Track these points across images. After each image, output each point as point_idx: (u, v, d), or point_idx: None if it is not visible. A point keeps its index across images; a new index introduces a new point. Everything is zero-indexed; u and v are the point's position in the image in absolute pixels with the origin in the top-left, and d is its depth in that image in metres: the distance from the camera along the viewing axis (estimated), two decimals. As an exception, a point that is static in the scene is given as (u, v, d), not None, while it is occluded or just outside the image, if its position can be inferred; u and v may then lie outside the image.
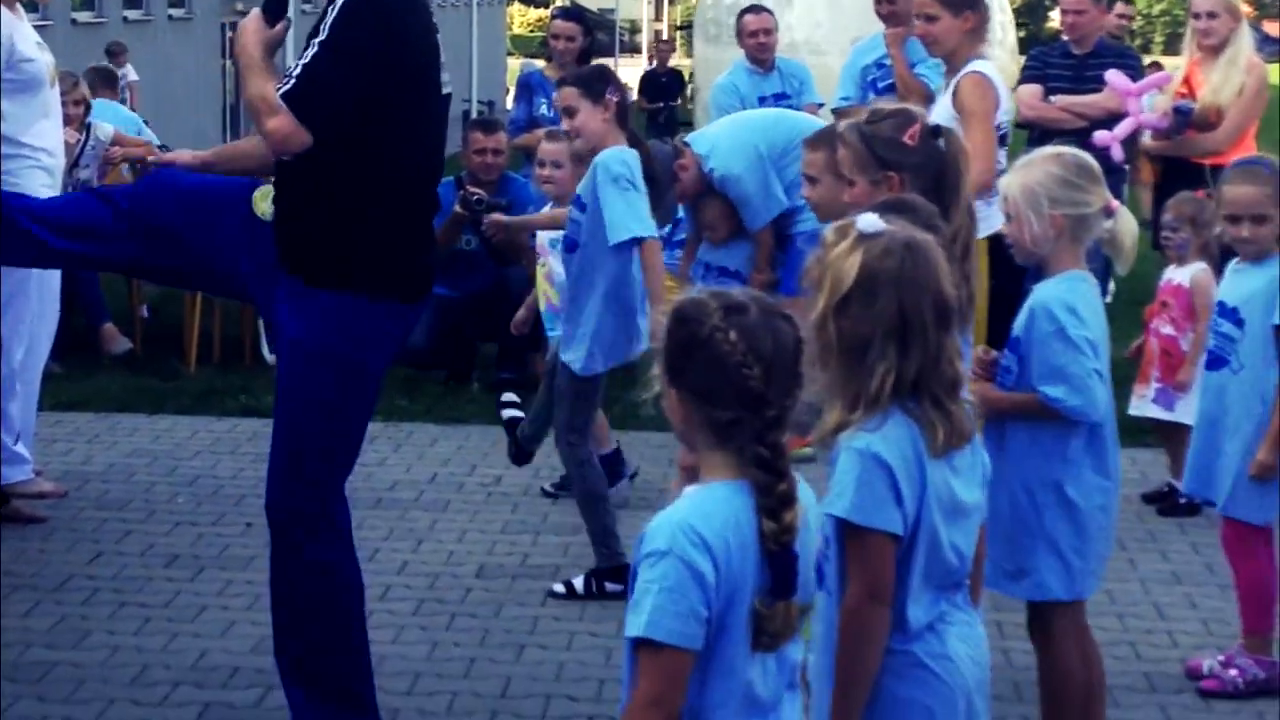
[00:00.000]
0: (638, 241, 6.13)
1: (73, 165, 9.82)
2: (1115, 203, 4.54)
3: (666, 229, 7.57)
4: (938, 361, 3.18)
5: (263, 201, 4.76)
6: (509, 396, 7.10)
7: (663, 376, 2.91)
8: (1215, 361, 5.41)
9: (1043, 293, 4.45)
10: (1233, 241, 5.43)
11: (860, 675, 3.15)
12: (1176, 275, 7.27)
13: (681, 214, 7.80)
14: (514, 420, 7.00)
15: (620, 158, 6.19)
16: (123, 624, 5.86)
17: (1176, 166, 8.44)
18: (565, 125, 6.39)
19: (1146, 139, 8.51)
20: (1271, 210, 5.32)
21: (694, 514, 2.82)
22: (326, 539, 4.73)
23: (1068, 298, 4.41)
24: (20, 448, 7.24)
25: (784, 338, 2.86)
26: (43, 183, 7.29)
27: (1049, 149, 4.64)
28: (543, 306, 7.48)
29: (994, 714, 5.16)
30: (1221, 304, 5.44)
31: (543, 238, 7.43)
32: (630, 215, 6.12)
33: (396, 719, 5.11)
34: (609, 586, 6.16)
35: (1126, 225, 4.54)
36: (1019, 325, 4.49)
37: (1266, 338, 5.28)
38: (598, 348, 6.21)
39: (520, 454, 7.00)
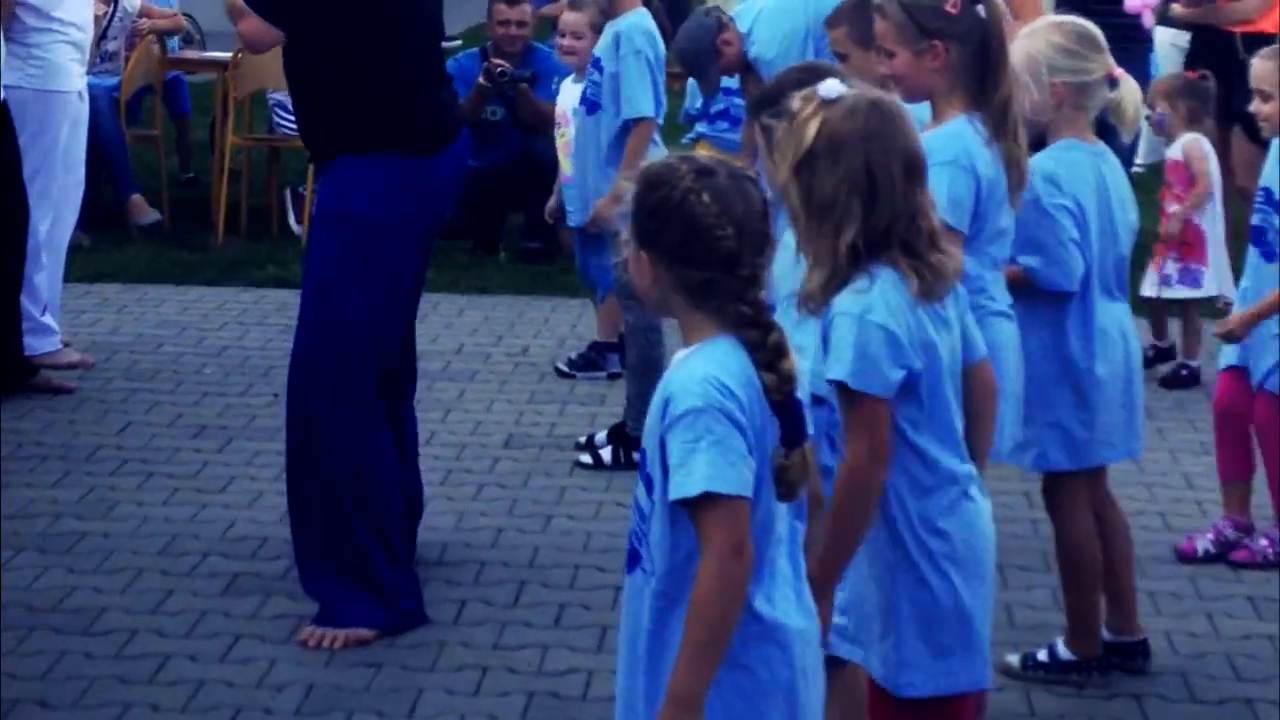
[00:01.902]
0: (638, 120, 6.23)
1: (100, 38, 9.74)
2: (1118, 70, 4.52)
3: (699, 104, 7.52)
4: (913, 216, 3.20)
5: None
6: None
7: (632, 241, 2.94)
8: (1269, 254, 5.29)
9: (1028, 162, 4.40)
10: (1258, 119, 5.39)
11: (855, 531, 3.21)
12: (1171, 152, 7.26)
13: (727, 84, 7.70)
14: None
15: (643, 28, 6.27)
16: (151, 494, 5.88)
17: (1208, 36, 8.32)
18: None
19: (1176, 7, 8.39)
20: (1274, 89, 5.22)
21: (712, 367, 2.84)
22: (345, 411, 4.76)
23: (1050, 167, 4.42)
24: (48, 318, 7.26)
25: (752, 199, 2.90)
26: (70, 57, 7.27)
27: (1052, 17, 4.67)
28: (563, 179, 7.41)
29: (1022, 584, 5.18)
30: (1268, 191, 5.31)
31: (563, 105, 7.33)
32: (644, 93, 6.24)
33: (424, 589, 5.12)
34: (636, 456, 6.13)
35: (1130, 93, 4.53)
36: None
37: None
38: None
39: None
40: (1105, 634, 4.66)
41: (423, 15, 4.87)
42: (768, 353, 2.85)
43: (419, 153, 4.78)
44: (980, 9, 4.17)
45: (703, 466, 2.78)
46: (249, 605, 5.00)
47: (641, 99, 6.26)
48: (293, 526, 4.96)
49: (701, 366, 2.85)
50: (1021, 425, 4.42)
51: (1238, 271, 5.87)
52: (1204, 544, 5.44)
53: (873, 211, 3.17)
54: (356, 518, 4.78)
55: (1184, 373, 7.25)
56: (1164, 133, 7.36)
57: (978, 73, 4.08)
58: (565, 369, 7.34)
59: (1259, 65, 5.30)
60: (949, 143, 4.05)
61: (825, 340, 3.23)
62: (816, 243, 3.20)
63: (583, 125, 6.51)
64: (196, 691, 4.49)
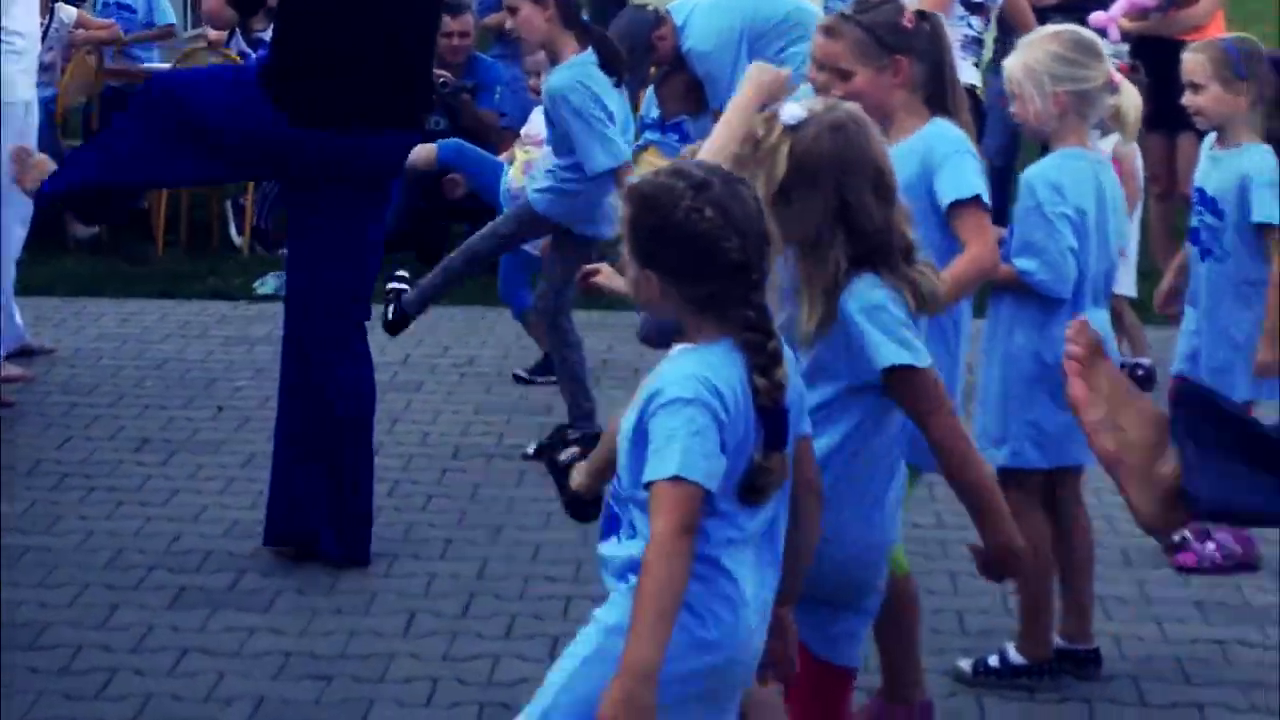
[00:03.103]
0: (612, 171, 6.17)
1: (35, 49, 9.66)
2: (1118, 76, 4.58)
3: (654, 113, 7.54)
4: (888, 232, 3.24)
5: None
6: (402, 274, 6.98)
7: (632, 260, 2.94)
8: (1204, 253, 5.34)
9: (1032, 169, 4.57)
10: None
11: None
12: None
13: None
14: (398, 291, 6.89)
15: (573, 82, 6.17)
16: (95, 508, 5.82)
17: (1152, 45, 8.36)
18: (508, 24, 6.38)
19: (1122, 21, 8.44)
20: (1206, 80, 5.25)
21: (704, 366, 2.89)
22: (341, 357, 5.30)
23: (1054, 175, 4.49)
24: (-13, 332, 7.18)
25: (749, 202, 2.92)
26: (17, 67, 7.21)
27: (1049, 27, 4.72)
28: (505, 187, 7.37)
29: (972, 590, 5.18)
30: (1201, 192, 5.36)
31: (533, 126, 7.31)
32: (600, 148, 6.18)
33: (373, 602, 5.10)
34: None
35: (1130, 98, 4.59)
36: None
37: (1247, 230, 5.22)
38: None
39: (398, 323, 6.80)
40: (1059, 640, 4.67)
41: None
42: (765, 358, 2.89)
43: (384, 125, 5.18)
44: (927, 27, 4.22)
45: (678, 452, 2.82)
46: (196, 619, 4.95)
47: (599, 155, 6.17)
48: (283, 479, 5.32)
49: (694, 365, 2.90)
50: (1000, 422, 4.51)
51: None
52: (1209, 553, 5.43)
53: (852, 236, 3.21)
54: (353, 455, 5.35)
55: (1140, 373, 7.21)
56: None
57: (935, 86, 4.15)
58: (524, 376, 7.35)
59: (1190, 58, 5.32)
60: (952, 135, 4.14)
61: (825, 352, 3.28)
62: (810, 277, 3.24)
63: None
64: (144, 705, 4.45)
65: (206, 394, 7.05)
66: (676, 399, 2.85)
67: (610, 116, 6.22)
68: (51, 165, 5.45)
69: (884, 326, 3.26)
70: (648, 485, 2.85)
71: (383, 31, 5.10)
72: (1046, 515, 4.65)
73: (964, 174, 4.11)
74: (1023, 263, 4.46)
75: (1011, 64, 4.55)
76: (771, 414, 2.90)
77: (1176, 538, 5.43)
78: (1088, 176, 4.52)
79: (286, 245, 5.40)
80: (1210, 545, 5.41)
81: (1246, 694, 4.64)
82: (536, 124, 7.31)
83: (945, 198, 4.09)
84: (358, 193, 5.21)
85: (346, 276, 5.29)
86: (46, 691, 4.49)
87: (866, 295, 3.26)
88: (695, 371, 2.88)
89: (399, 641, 4.85)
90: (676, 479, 2.82)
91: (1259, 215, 5.11)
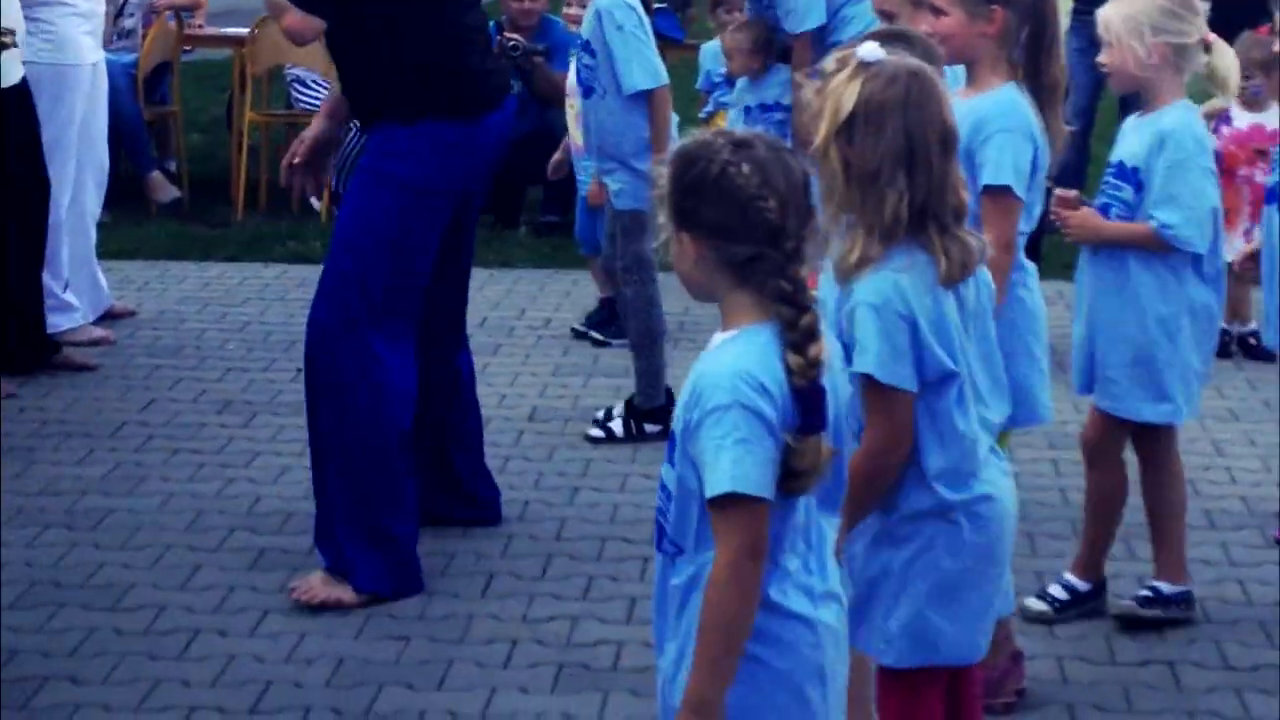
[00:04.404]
0: (647, 93, 6.10)
1: (117, 14, 9.72)
2: (1211, 35, 4.51)
3: (721, 69, 7.47)
4: (944, 190, 3.15)
5: None
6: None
7: (670, 223, 2.84)
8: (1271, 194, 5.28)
9: (1170, 121, 4.46)
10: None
11: (863, 511, 3.20)
12: (1269, 120, 7.04)
13: None
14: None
15: (621, 2, 6.12)
16: (177, 470, 5.87)
17: (1233, 4, 8.20)
18: None
19: None
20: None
21: (745, 359, 2.76)
22: (364, 362, 4.81)
23: (1198, 128, 4.47)
24: (69, 295, 7.25)
25: (794, 170, 2.80)
26: (81, 29, 7.23)
27: None
28: (574, 149, 7.39)
29: (1052, 552, 5.16)
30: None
31: (573, 79, 7.31)
32: (638, 67, 6.10)
33: (452, 562, 5.12)
34: (647, 428, 6.15)
35: (1226, 58, 4.54)
36: (1137, 155, 4.48)
37: None
38: (640, 185, 6.15)
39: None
40: (1079, 583, 4.75)
41: None
42: (799, 334, 2.75)
43: (462, 117, 4.85)
44: None
45: (727, 465, 2.70)
46: (276, 579, 4.99)
47: (638, 73, 6.09)
48: (315, 489, 4.99)
49: (734, 359, 2.77)
50: (1144, 380, 4.52)
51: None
52: None
53: (912, 184, 3.12)
54: (371, 479, 4.85)
55: (1253, 341, 7.09)
56: (1254, 100, 7.14)
57: (1028, 47, 4.10)
58: (583, 328, 7.34)
59: (1104, 11, 5.12)
60: (1010, 110, 4.07)
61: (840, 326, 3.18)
62: (860, 211, 3.14)
63: (583, 107, 6.46)
64: (226, 666, 4.48)
65: (287, 356, 7.08)
66: (716, 407, 2.72)
67: (651, 40, 6.18)
68: None
69: (882, 329, 3.13)
70: (710, 504, 2.73)
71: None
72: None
73: (1004, 158, 4.02)
74: (1165, 214, 4.41)
75: (1109, 12, 4.49)
76: (807, 394, 2.74)
77: None
78: (1206, 132, 4.51)
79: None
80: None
81: (1331, 657, 4.59)
82: (574, 71, 7.28)
83: (981, 178, 4.02)
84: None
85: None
86: (130, 653, 4.54)
87: (878, 288, 3.14)
88: (737, 366, 2.74)
89: (477, 603, 4.87)
90: (733, 496, 2.70)
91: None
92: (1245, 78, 6.98)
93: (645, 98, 6.12)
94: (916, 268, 3.15)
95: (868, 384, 3.14)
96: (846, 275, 3.17)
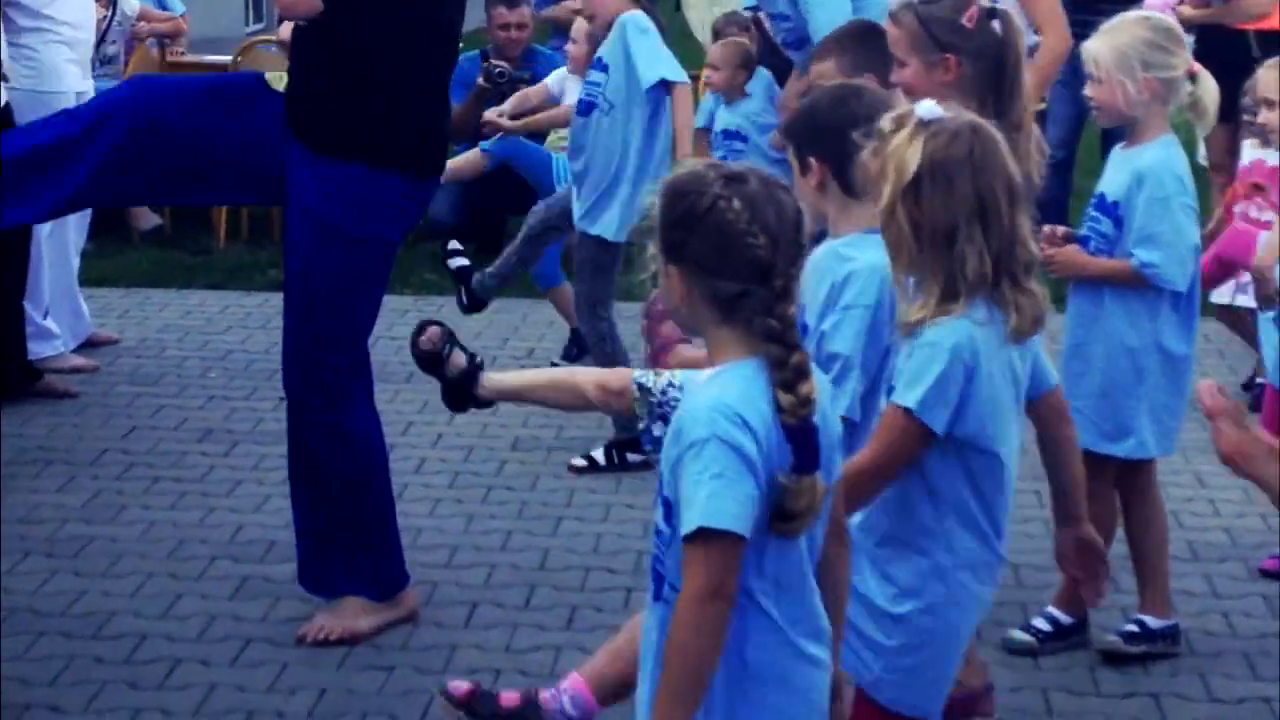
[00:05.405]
0: (667, 86, 6.12)
1: (99, 41, 9.69)
2: (1196, 65, 4.54)
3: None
4: (1013, 244, 3.17)
5: (277, 83, 4.71)
6: (455, 245, 7.05)
7: (660, 255, 2.80)
8: None
9: (1150, 159, 4.49)
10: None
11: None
12: (1270, 157, 7.05)
13: None
14: (463, 269, 6.94)
15: (643, 18, 6.22)
16: (158, 499, 5.84)
17: (1218, 35, 8.24)
18: (579, 2, 6.36)
19: (1185, 9, 8.27)
20: None
21: (726, 393, 2.71)
22: (343, 407, 4.72)
23: (1177, 166, 4.49)
24: (49, 322, 7.22)
25: (786, 208, 2.75)
26: (66, 57, 7.22)
27: (1134, 13, 4.71)
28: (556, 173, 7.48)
29: (1037, 584, 5.15)
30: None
31: (570, 97, 7.36)
32: (663, 61, 6.16)
33: (435, 592, 5.10)
34: (630, 457, 6.15)
35: (1209, 88, 4.56)
36: (1118, 189, 4.51)
37: None
38: (631, 215, 6.14)
39: (473, 303, 6.97)
40: (1063, 615, 4.78)
41: (449, 35, 4.75)
42: (789, 372, 2.70)
43: (419, 177, 4.69)
44: (996, 25, 4.17)
45: (702, 500, 2.65)
46: (259, 609, 4.97)
47: (662, 65, 6.13)
48: (296, 527, 4.94)
49: (716, 393, 2.72)
50: (1112, 415, 4.57)
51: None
52: None
53: (987, 239, 3.13)
54: (359, 503, 4.82)
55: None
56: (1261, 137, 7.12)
57: (992, 89, 4.10)
58: (557, 362, 7.35)
59: (1265, 74, 5.28)
60: None
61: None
62: (932, 270, 3.15)
63: (579, 127, 6.44)
64: (208, 695, 4.46)
65: (269, 384, 7.06)
66: (694, 442, 2.66)
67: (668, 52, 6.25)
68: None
69: (930, 369, 3.15)
70: (684, 540, 2.68)
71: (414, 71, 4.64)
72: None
73: None
74: (1146, 254, 4.45)
75: (1097, 47, 4.50)
76: (799, 433, 2.69)
77: None
78: (1187, 168, 4.53)
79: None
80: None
81: (1315, 689, 4.59)
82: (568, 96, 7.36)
83: None
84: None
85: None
86: (111, 681, 4.52)
87: (956, 330, 3.15)
88: (718, 401, 2.69)
89: (461, 633, 4.85)
90: (703, 532, 2.64)
91: None
92: (1254, 113, 7.01)
93: (658, 102, 6.13)
94: (994, 324, 3.18)
95: (898, 411, 3.17)
96: (911, 330, 3.18)
